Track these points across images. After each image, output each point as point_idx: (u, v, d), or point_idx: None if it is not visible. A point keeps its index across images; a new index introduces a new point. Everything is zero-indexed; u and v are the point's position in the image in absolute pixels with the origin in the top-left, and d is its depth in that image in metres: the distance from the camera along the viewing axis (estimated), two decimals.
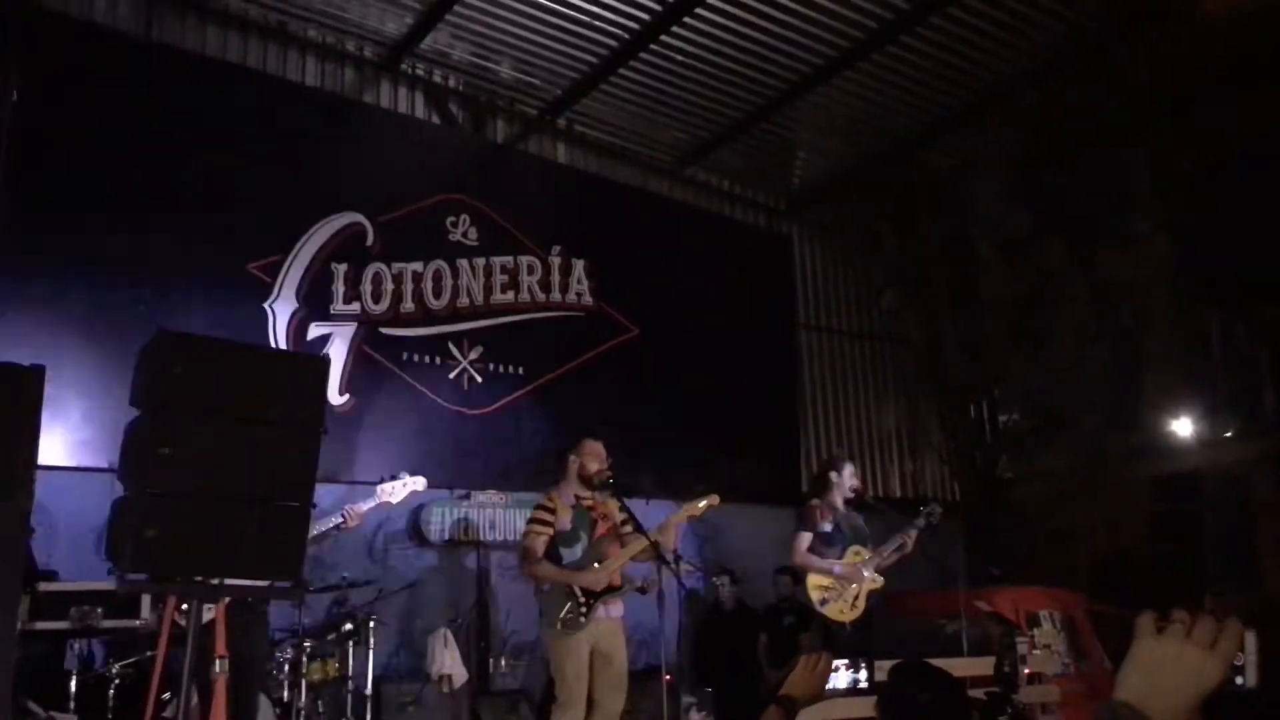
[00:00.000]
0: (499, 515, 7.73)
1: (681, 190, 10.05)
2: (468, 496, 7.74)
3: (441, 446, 7.77)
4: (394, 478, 5.65)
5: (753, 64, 8.32)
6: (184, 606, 3.80)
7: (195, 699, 3.97)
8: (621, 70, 8.35)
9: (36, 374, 3.37)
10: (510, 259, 8.46)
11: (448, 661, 6.64)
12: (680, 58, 8.24)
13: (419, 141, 8.35)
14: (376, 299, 7.68)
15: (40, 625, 4.62)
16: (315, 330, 7.36)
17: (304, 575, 4.27)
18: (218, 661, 3.44)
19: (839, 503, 6.47)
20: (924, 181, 9.94)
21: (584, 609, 5.39)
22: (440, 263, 8.06)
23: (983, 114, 9.01)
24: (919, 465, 11.04)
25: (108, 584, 4.31)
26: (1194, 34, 7.83)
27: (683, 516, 5.70)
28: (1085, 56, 8.19)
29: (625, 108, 8.97)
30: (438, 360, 7.90)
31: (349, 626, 6.11)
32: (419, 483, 5.71)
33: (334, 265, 7.52)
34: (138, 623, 4.85)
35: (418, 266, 7.93)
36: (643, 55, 8.16)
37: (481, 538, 7.65)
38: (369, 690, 6.24)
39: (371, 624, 6.22)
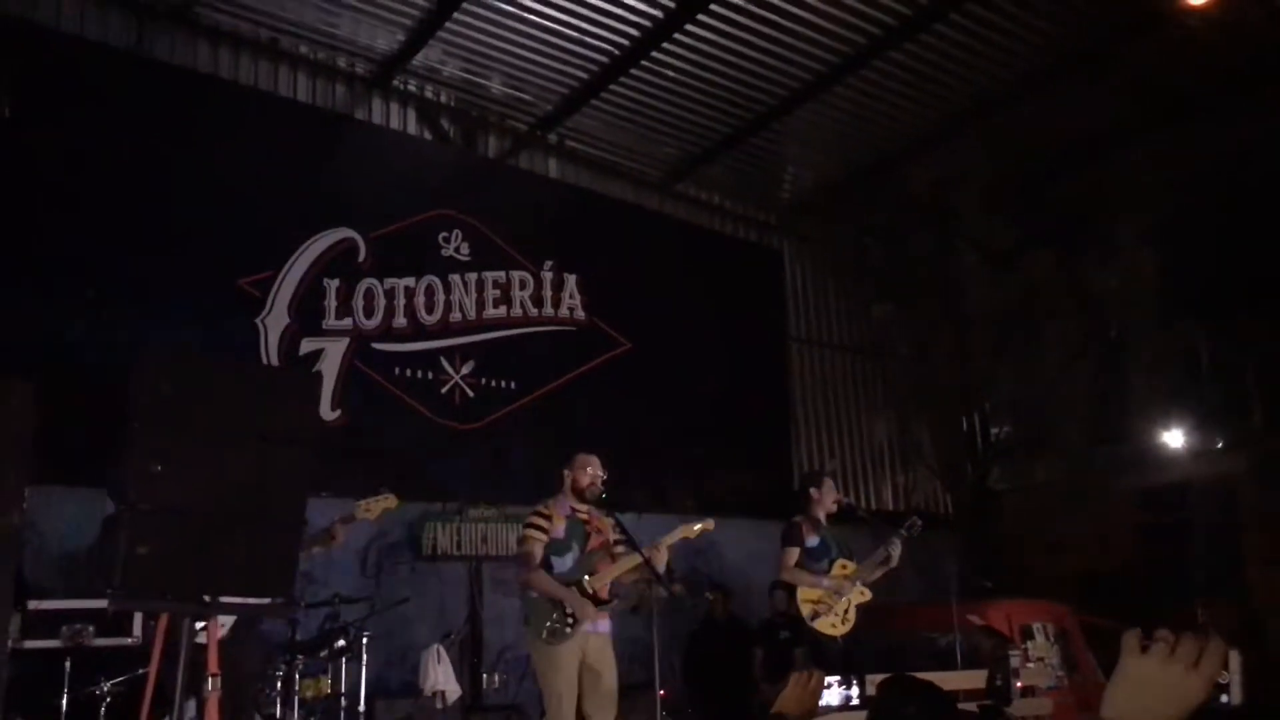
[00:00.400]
0: (491, 530, 7.73)
1: (672, 205, 10.09)
2: (460, 511, 7.73)
3: (433, 461, 7.77)
4: (375, 493, 5.63)
5: (742, 80, 8.37)
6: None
7: (189, 716, 3.96)
8: (612, 86, 8.40)
9: (27, 389, 3.36)
10: (502, 274, 8.48)
11: (440, 677, 6.62)
12: (670, 74, 8.29)
13: (411, 157, 8.37)
14: (368, 314, 7.69)
15: (31, 644, 4.60)
16: (307, 345, 7.36)
17: (295, 591, 4.27)
18: (210, 679, 3.42)
19: (822, 518, 6.49)
20: (912, 195, 9.98)
21: (570, 619, 5.38)
22: (432, 278, 8.07)
23: (969, 128, 9.07)
24: (910, 478, 11.06)
25: (99, 602, 4.30)
26: (1179, 48, 7.90)
27: (676, 538, 5.69)
28: (1070, 71, 8.26)
29: (616, 123, 9.01)
30: (429, 375, 7.90)
31: (341, 642, 6.08)
32: (390, 500, 5.68)
33: (326, 280, 7.53)
34: (129, 640, 4.83)
35: (410, 281, 7.94)
36: (633, 71, 8.21)
37: (474, 552, 7.64)
38: (362, 706, 6.21)
39: (364, 640, 6.19)
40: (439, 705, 6.57)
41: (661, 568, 5.51)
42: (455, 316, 8.12)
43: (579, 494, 5.65)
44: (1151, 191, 9.33)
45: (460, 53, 8.05)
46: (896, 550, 6.30)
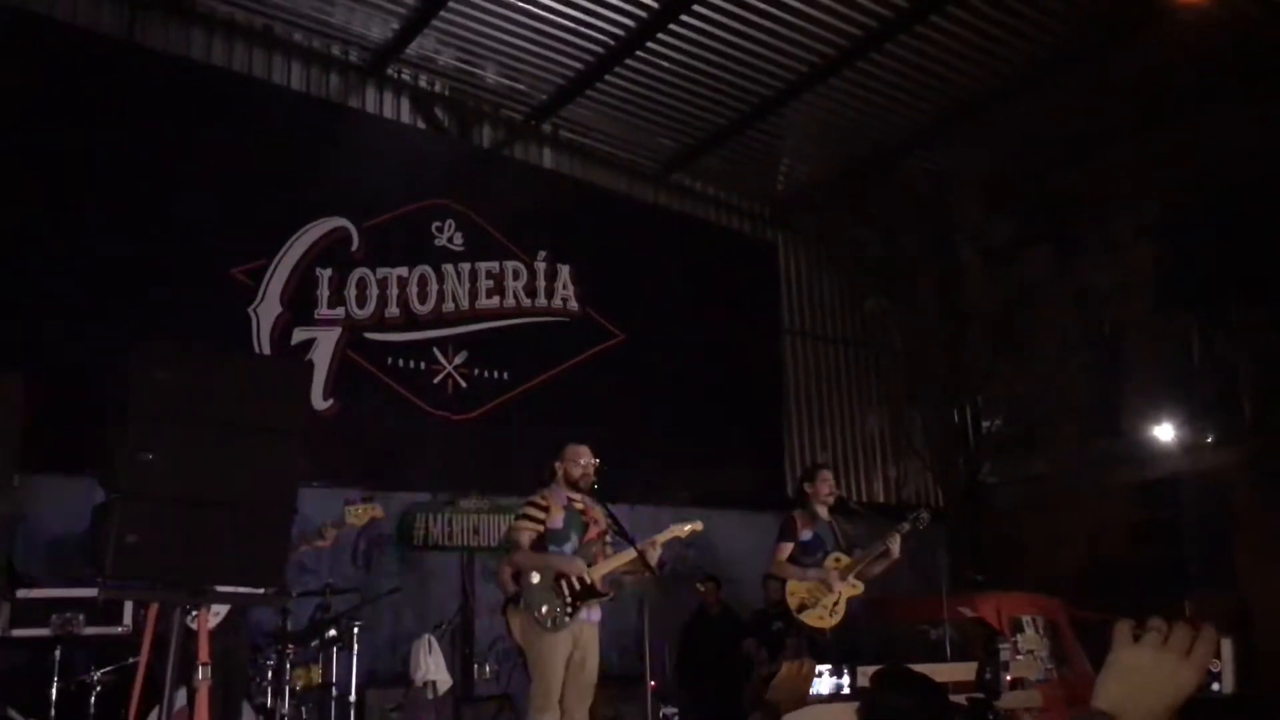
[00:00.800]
0: (483, 521, 7.72)
1: (667, 196, 10.07)
2: (452, 502, 7.72)
3: (425, 451, 7.76)
4: (364, 499, 5.63)
5: (738, 71, 8.35)
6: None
7: (179, 705, 3.95)
8: (607, 76, 8.38)
9: (17, 378, 3.35)
10: (496, 264, 8.46)
11: (432, 667, 6.61)
12: (666, 64, 8.27)
13: (404, 146, 8.33)
14: (361, 303, 7.67)
15: (21, 632, 4.58)
16: (299, 335, 7.34)
17: (286, 581, 4.26)
18: (200, 668, 3.42)
19: (821, 511, 6.50)
20: (907, 189, 9.98)
21: (570, 607, 5.39)
22: (425, 268, 8.05)
23: (965, 122, 9.07)
24: (902, 471, 11.08)
25: (89, 591, 4.29)
26: (1175, 45, 7.90)
27: (667, 537, 5.69)
28: (1067, 67, 8.25)
29: (611, 114, 8.98)
30: (422, 365, 7.89)
31: (332, 632, 6.08)
32: (376, 510, 5.69)
33: (318, 270, 7.50)
34: (119, 629, 4.82)
35: (403, 271, 7.92)
36: (628, 62, 8.19)
37: (465, 543, 7.63)
38: (353, 696, 6.20)
39: (355, 630, 6.19)
40: (430, 695, 6.57)
41: (655, 561, 5.53)
42: (448, 306, 8.11)
43: (572, 484, 5.66)
44: (1146, 188, 9.33)
45: (455, 42, 8.02)
46: (896, 543, 6.31)
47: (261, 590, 3.85)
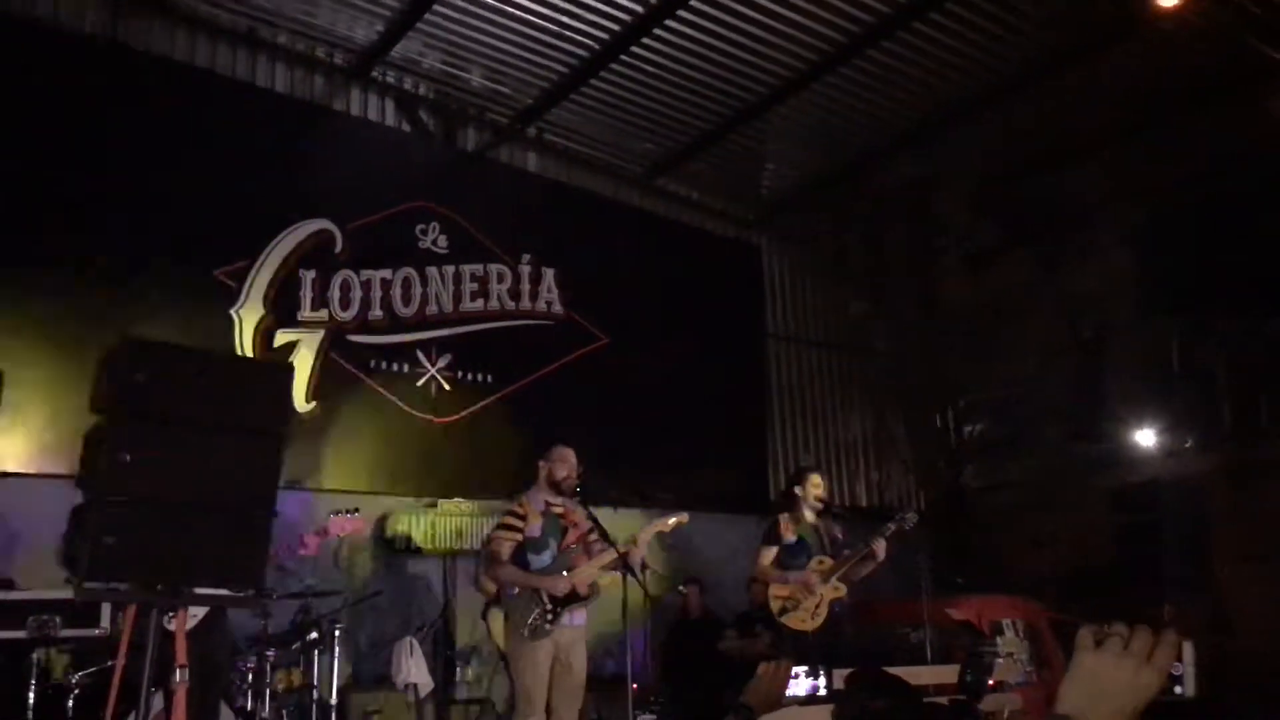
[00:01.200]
0: (465, 524, 7.71)
1: (652, 200, 10.08)
2: (434, 505, 7.71)
3: (408, 454, 7.76)
4: (350, 511, 5.63)
5: (723, 75, 8.38)
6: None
7: (156, 708, 3.94)
8: (592, 80, 8.38)
9: None
10: (480, 267, 8.46)
11: (413, 670, 6.61)
12: (651, 69, 8.28)
13: (389, 148, 8.32)
14: (345, 306, 7.65)
15: None
16: (282, 337, 7.33)
17: (266, 583, 4.25)
18: (178, 670, 3.41)
19: (807, 514, 6.51)
20: (891, 194, 10.03)
21: (550, 616, 5.39)
22: (409, 270, 8.04)
23: (949, 127, 9.11)
24: (885, 474, 11.12)
25: (66, 592, 4.26)
26: (1156, 51, 7.96)
27: (651, 533, 5.71)
28: (1049, 73, 8.30)
29: (596, 117, 8.99)
30: (406, 368, 7.88)
31: (313, 635, 6.07)
32: (360, 522, 5.70)
33: (302, 272, 7.49)
34: (97, 632, 4.80)
35: (387, 274, 7.91)
36: (613, 65, 8.20)
37: (447, 546, 7.62)
38: (333, 699, 6.19)
39: (336, 632, 6.18)
40: (411, 698, 6.57)
41: (639, 562, 5.55)
42: (432, 309, 8.10)
43: (554, 486, 5.67)
44: (1128, 194, 9.41)
45: (440, 44, 8.02)
46: (881, 545, 6.33)
47: (241, 592, 3.84)
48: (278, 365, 6.30)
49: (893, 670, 3.10)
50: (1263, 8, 7.48)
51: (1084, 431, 9.85)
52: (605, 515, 5.83)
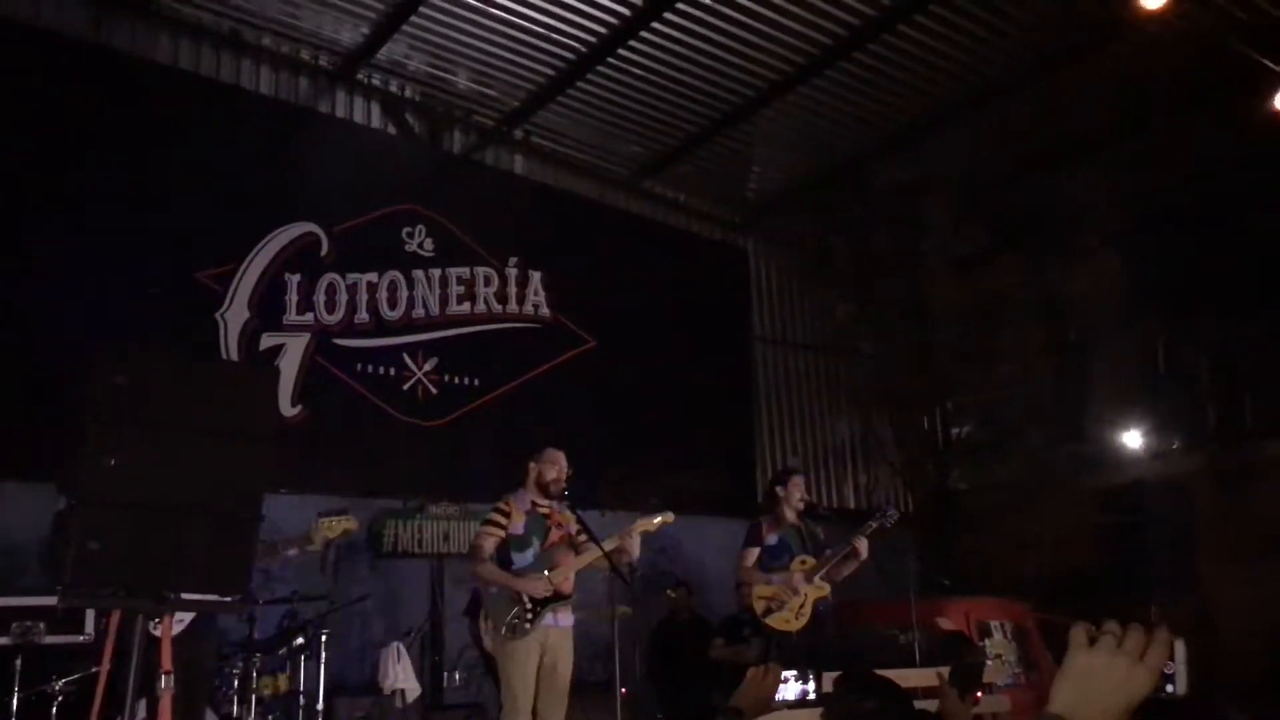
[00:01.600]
0: (453, 527, 7.69)
1: (638, 203, 10.08)
2: (421, 509, 7.68)
3: (395, 458, 7.72)
4: (339, 513, 5.59)
5: (709, 79, 8.38)
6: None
7: (141, 715, 3.90)
8: (579, 83, 8.38)
9: None
10: (466, 270, 8.43)
11: (400, 675, 6.57)
12: (637, 71, 8.28)
13: (375, 151, 8.29)
14: (330, 309, 7.62)
15: None
16: (267, 340, 7.29)
17: (252, 588, 4.22)
18: (163, 676, 3.37)
19: (789, 516, 6.52)
20: (878, 196, 10.05)
21: (529, 614, 5.37)
22: (395, 273, 8.01)
23: (935, 130, 9.14)
24: (872, 476, 11.14)
25: (50, 599, 4.22)
26: (1141, 55, 8.00)
27: (638, 532, 5.70)
28: (1035, 76, 8.34)
29: (582, 120, 8.99)
30: (392, 371, 7.85)
31: (300, 640, 6.03)
32: (351, 523, 5.66)
33: (287, 275, 7.45)
34: (81, 638, 4.76)
35: (372, 277, 7.88)
36: (600, 68, 8.19)
37: (435, 550, 7.59)
38: (320, 705, 6.15)
39: (323, 637, 6.14)
40: (399, 704, 6.53)
41: (635, 554, 5.54)
42: (418, 312, 8.07)
43: (543, 488, 5.65)
44: (1114, 198, 9.45)
45: (426, 47, 8.00)
46: (863, 542, 6.34)
47: (227, 598, 3.81)
48: (263, 369, 6.27)
49: (880, 673, 3.09)
50: (1247, 12, 7.53)
51: (1070, 433, 9.89)
52: (592, 518, 5.81)
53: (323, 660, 6.13)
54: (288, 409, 7.20)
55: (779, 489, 6.62)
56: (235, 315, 7.17)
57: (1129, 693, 1.26)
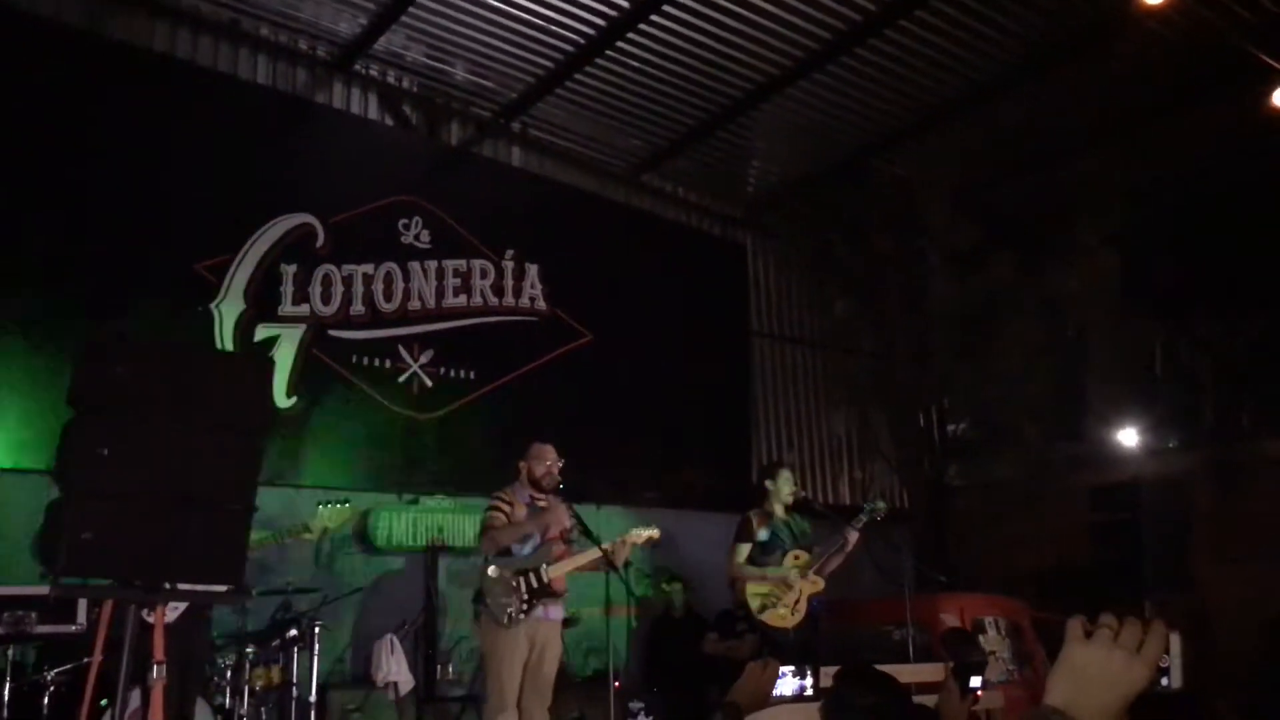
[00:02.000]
0: (448, 520, 7.67)
1: (637, 197, 10.06)
2: (416, 501, 7.67)
3: (390, 450, 7.71)
4: (340, 501, 5.59)
5: (709, 72, 8.36)
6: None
7: (133, 705, 3.89)
8: (577, 75, 8.35)
9: None
10: (463, 262, 8.41)
11: (394, 668, 6.57)
12: (636, 64, 8.26)
13: (372, 143, 8.26)
14: (326, 300, 7.60)
15: None
16: (263, 331, 7.26)
17: (245, 579, 4.20)
18: (155, 666, 3.36)
19: (778, 510, 6.52)
20: (876, 192, 10.04)
21: (525, 604, 5.39)
22: (392, 265, 7.99)
23: (934, 127, 9.13)
24: (868, 473, 11.13)
25: (42, 588, 4.22)
26: (1141, 52, 7.99)
27: (628, 543, 5.68)
28: (1035, 74, 8.33)
29: (581, 113, 8.96)
30: (388, 363, 7.83)
31: (293, 632, 6.01)
32: (350, 511, 5.66)
33: (283, 266, 7.42)
34: (73, 628, 4.75)
35: (369, 268, 7.85)
36: (598, 61, 8.17)
37: (429, 543, 7.58)
38: (313, 697, 6.15)
39: (316, 629, 6.13)
40: (392, 696, 6.54)
41: (621, 562, 5.55)
42: (414, 304, 8.05)
43: (535, 484, 5.67)
44: (1112, 195, 9.44)
45: (424, 38, 7.97)
46: (853, 534, 6.35)
47: (220, 588, 3.80)
48: (258, 359, 6.26)
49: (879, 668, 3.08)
50: (1248, 9, 7.52)
51: (1067, 431, 9.89)
52: (588, 513, 5.82)
53: (316, 652, 6.12)
54: (283, 400, 7.17)
55: (768, 483, 6.63)
56: (231, 306, 7.14)
57: (1125, 686, 1.25)
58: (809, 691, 4.26)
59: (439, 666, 7.37)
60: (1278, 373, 9.14)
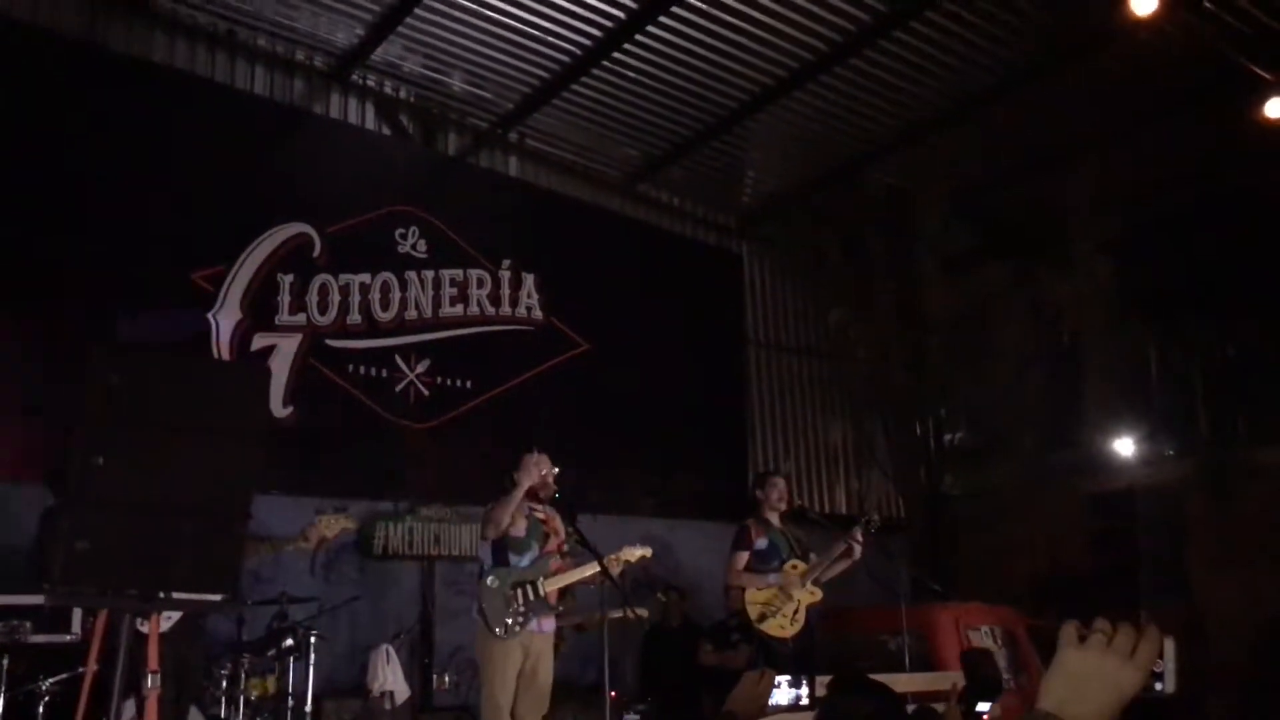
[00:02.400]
0: (444, 530, 7.67)
1: (633, 206, 10.08)
2: (412, 510, 7.66)
3: (386, 460, 7.70)
4: (338, 509, 5.58)
5: (705, 82, 8.39)
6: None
7: (128, 715, 3.88)
8: (574, 85, 8.38)
9: None
10: (460, 272, 8.42)
11: (389, 678, 6.56)
12: (632, 74, 8.29)
13: (369, 153, 8.28)
14: (322, 310, 7.60)
15: None
16: (259, 341, 7.27)
17: (241, 589, 4.20)
18: (149, 676, 3.36)
19: (774, 519, 6.53)
20: (871, 201, 10.06)
21: (522, 616, 5.38)
22: (388, 274, 8.00)
23: (928, 136, 9.16)
24: (865, 481, 11.13)
25: (37, 597, 4.20)
26: (1135, 61, 8.03)
27: (621, 560, 5.66)
28: (1028, 82, 8.36)
29: (577, 123, 8.99)
30: (384, 373, 7.83)
31: (289, 642, 6.00)
32: (350, 521, 5.65)
33: (280, 275, 7.43)
34: (68, 637, 4.73)
35: (365, 278, 7.86)
36: (595, 71, 8.20)
37: (426, 552, 7.58)
38: (309, 707, 6.13)
39: (312, 639, 6.12)
40: (387, 706, 6.51)
41: (615, 575, 5.54)
42: (411, 314, 8.06)
43: (532, 494, 5.65)
44: (1105, 203, 9.48)
45: (421, 49, 7.99)
46: (857, 547, 6.34)
47: (215, 597, 3.79)
48: (253, 368, 6.25)
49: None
50: (1240, 19, 7.56)
51: (1062, 438, 9.90)
52: (584, 521, 5.80)
53: (311, 662, 6.11)
54: (279, 410, 7.17)
55: (759, 492, 6.65)
56: (227, 315, 7.15)
57: (1118, 690, 1.26)
58: (805, 701, 4.26)
59: (435, 676, 7.36)
60: (1272, 380, 9.16)
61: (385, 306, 7.93)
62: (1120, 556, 8.85)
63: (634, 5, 7.46)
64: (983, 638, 7.38)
